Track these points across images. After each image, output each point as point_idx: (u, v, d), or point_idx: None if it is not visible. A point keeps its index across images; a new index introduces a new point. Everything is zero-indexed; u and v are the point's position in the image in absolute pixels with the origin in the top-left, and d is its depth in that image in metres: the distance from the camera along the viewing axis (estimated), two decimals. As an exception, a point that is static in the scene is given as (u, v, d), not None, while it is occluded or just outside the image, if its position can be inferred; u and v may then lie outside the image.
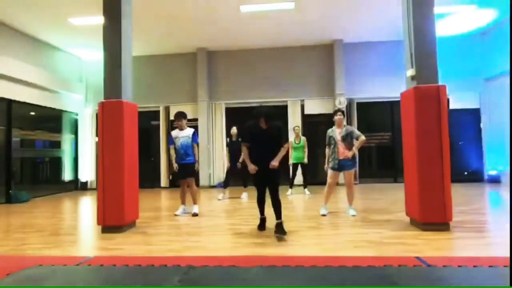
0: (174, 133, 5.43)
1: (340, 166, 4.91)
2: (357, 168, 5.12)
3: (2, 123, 7.53)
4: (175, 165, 5.33)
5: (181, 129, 5.39)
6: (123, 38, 4.48)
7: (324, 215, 4.96)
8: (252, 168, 3.88)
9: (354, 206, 5.09)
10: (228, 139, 7.36)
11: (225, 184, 7.28)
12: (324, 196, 5.12)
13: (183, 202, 5.50)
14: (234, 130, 7.13)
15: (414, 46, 4.12)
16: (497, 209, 5.60)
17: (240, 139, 6.17)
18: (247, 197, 7.07)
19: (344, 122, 5.12)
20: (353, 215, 4.87)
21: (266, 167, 3.81)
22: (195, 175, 5.56)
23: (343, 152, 4.88)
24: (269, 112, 3.93)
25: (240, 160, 6.75)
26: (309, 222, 4.58)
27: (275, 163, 3.79)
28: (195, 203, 5.39)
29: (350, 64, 9.44)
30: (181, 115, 5.40)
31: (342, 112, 5.08)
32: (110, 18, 4.51)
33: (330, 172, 5.01)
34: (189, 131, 5.39)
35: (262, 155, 3.88)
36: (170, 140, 5.46)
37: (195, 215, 5.23)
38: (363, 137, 4.94)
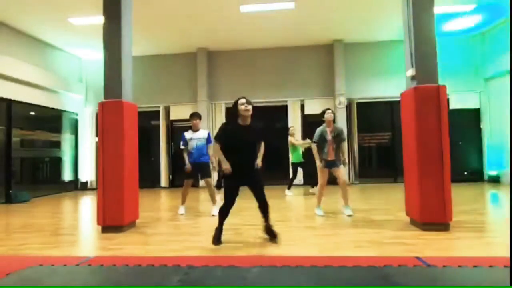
0: (188, 134, 5.26)
1: (329, 165, 4.87)
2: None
3: (2, 123, 7.52)
4: (188, 166, 5.18)
5: (195, 130, 5.26)
6: (123, 38, 4.48)
7: (322, 215, 4.91)
8: (227, 167, 3.40)
9: (350, 206, 5.01)
10: None
11: (219, 186, 7.24)
12: (318, 197, 5.06)
13: (184, 202, 5.46)
14: None
15: (414, 46, 4.12)
16: (497, 209, 5.60)
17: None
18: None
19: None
20: (350, 215, 4.81)
21: (247, 170, 3.49)
22: (211, 175, 5.39)
23: (332, 154, 4.85)
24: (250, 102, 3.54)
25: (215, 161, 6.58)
26: (308, 222, 4.58)
27: (259, 161, 3.62)
28: (214, 203, 5.27)
29: (350, 64, 9.44)
30: (197, 115, 5.30)
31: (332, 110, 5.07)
32: (110, 18, 4.51)
33: (320, 171, 4.92)
34: (204, 133, 5.27)
35: (242, 157, 3.48)
36: (182, 141, 5.24)
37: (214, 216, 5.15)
38: (345, 146, 4.95)
